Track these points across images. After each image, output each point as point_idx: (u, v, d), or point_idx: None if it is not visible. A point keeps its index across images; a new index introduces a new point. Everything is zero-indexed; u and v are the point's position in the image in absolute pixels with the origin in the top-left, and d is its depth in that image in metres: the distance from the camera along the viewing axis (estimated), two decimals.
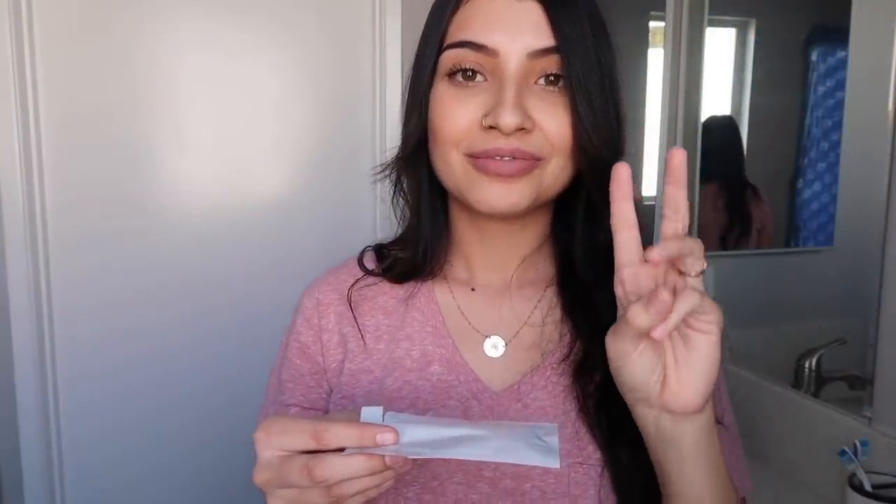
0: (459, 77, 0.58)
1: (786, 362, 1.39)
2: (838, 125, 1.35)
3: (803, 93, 1.43)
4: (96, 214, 1.70)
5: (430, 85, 0.60)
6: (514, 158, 0.57)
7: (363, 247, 0.75)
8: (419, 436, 0.47)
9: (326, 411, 0.69)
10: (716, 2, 1.63)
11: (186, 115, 1.74)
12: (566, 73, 0.56)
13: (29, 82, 1.61)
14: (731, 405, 0.73)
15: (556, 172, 0.59)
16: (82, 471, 1.75)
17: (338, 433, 0.46)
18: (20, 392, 1.66)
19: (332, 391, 0.69)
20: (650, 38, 1.77)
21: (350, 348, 0.68)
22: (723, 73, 1.62)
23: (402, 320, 0.68)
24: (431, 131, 0.61)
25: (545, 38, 0.56)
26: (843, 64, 1.33)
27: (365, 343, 0.68)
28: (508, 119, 0.55)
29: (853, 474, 1.09)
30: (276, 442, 0.47)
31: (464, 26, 0.58)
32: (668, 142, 1.72)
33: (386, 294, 0.70)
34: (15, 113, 1.59)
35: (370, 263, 0.72)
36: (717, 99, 1.65)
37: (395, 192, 0.70)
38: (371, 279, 0.71)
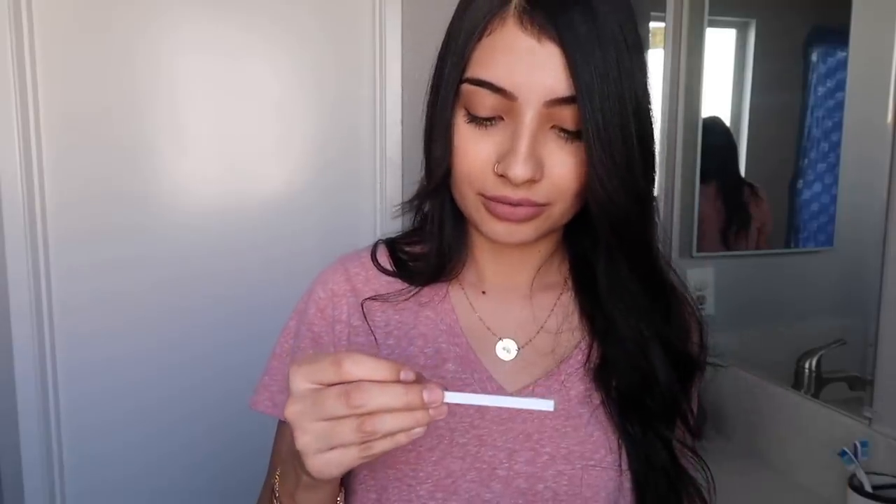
0: (477, 119, 0.57)
1: (786, 363, 1.39)
2: (838, 126, 1.35)
3: (803, 93, 1.43)
4: (96, 214, 1.70)
5: (451, 112, 0.59)
6: (521, 206, 0.56)
7: (365, 243, 0.74)
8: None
9: None
10: (716, 2, 1.63)
11: (186, 115, 1.74)
12: (583, 123, 0.54)
13: (29, 82, 1.61)
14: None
15: (562, 212, 0.59)
16: (82, 464, 1.75)
17: (357, 361, 0.46)
18: (20, 387, 1.66)
19: None
20: (650, 38, 1.77)
21: (359, 342, 0.68)
22: (723, 73, 1.62)
23: (415, 318, 0.68)
24: (452, 162, 0.60)
25: (564, 87, 0.53)
26: (843, 64, 1.34)
27: (376, 339, 0.68)
28: (519, 172, 0.54)
29: (853, 475, 1.09)
30: (305, 371, 0.47)
31: (485, 62, 0.55)
32: (669, 142, 1.73)
33: (397, 290, 0.69)
34: (15, 113, 1.58)
35: (383, 258, 0.71)
36: (717, 99, 1.65)
37: (416, 215, 0.69)
38: (384, 279, 0.70)
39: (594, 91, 0.53)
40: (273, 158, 1.82)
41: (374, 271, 0.70)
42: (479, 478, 0.62)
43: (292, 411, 0.47)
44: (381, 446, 0.47)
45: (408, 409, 0.45)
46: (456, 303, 0.68)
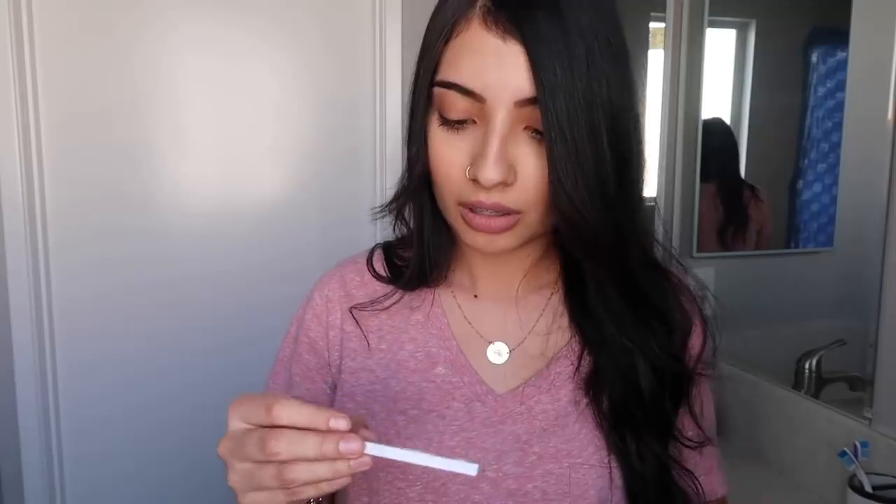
0: (449, 122, 0.56)
1: (786, 363, 1.39)
2: (838, 126, 1.35)
3: (803, 94, 1.43)
4: (96, 214, 1.71)
5: (425, 115, 0.58)
6: (495, 213, 0.55)
7: (363, 246, 0.75)
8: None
9: (330, 406, 0.69)
10: (716, 2, 1.63)
11: (186, 115, 1.74)
12: (545, 125, 0.51)
13: (29, 82, 1.61)
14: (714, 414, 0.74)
15: (537, 221, 0.57)
16: (82, 463, 1.76)
17: (288, 406, 0.45)
18: (20, 387, 1.67)
19: (336, 386, 0.70)
20: (650, 38, 1.77)
21: (352, 347, 0.69)
22: (723, 73, 1.62)
23: (407, 322, 0.69)
24: (430, 169, 0.59)
25: (530, 87, 0.51)
26: (843, 65, 1.33)
27: (368, 343, 0.69)
28: (489, 175, 0.52)
29: (853, 475, 1.09)
30: (240, 411, 0.47)
31: (454, 64, 0.54)
32: (669, 142, 1.73)
33: (384, 295, 0.70)
34: (15, 113, 1.59)
35: (378, 263, 0.72)
36: (717, 99, 1.65)
37: (396, 220, 0.68)
38: (378, 284, 0.71)
39: (557, 90, 0.51)
40: (273, 160, 1.82)
41: (368, 276, 0.71)
42: (468, 480, 0.62)
43: (223, 449, 0.48)
44: (305, 492, 0.46)
45: (323, 458, 0.45)
46: (447, 307, 0.69)
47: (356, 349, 0.69)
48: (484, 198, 0.55)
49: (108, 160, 1.70)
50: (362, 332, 0.69)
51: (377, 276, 0.71)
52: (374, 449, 0.46)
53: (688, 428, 0.66)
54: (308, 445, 0.44)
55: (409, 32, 1.79)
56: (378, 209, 0.67)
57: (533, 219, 0.57)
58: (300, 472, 0.45)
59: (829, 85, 1.37)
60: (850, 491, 1.08)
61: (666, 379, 0.63)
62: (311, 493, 0.46)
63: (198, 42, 1.72)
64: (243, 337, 1.77)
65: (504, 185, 0.54)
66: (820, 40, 1.41)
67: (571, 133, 0.51)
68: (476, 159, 0.54)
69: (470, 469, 0.46)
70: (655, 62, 1.72)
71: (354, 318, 0.69)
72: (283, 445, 0.44)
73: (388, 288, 0.70)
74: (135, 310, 1.76)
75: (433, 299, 0.69)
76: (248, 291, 1.82)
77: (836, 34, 1.35)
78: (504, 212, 0.55)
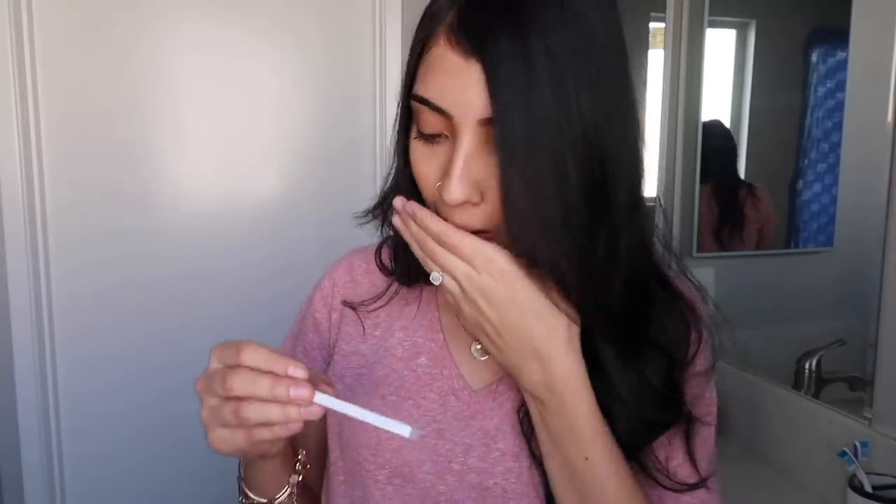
0: (424, 135, 0.56)
1: (786, 363, 1.39)
2: (838, 126, 1.35)
3: (803, 94, 1.43)
4: (96, 213, 1.71)
5: (406, 126, 0.59)
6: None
7: (359, 243, 0.77)
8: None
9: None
10: (716, 2, 1.63)
11: (186, 115, 1.74)
12: (497, 145, 0.50)
13: (29, 82, 1.61)
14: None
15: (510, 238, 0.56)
16: (82, 461, 1.76)
17: (254, 350, 0.51)
18: (20, 386, 1.67)
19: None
20: (650, 38, 1.77)
21: (348, 330, 0.72)
22: (723, 73, 1.62)
23: (401, 311, 0.71)
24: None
25: (489, 107, 0.50)
26: (843, 65, 1.33)
27: (364, 328, 0.72)
28: (452, 195, 0.52)
29: (853, 475, 1.09)
30: (218, 352, 0.54)
31: (425, 80, 0.54)
32: (669, 142, 1.73)
33: (377, 294, 0.73)
34: (15, 113, 1.59)
35: (385, 253, 0.74)
36: (717, 99, 1.65)
37: (382, 224, 0.67)
38: (380, 273, 0.73)
39: (514, 110, 0.49)
40: (272, 160, 1.82)
41: (373, 265, 0.74)
42: (434, 470, 0.64)
43: (199, 385, 0.54)
44: (259, 434, 0.51)
45: (275, 401, 0.50)
46: (441, 301, 0.70)
47: (352, 333, 0.72)
48: (455, 218, 0.55)
49: (108, 160, 1.70)
50: (359, 317, 0.72)
51: (381, 267, 0.73)
52: (324, 399, 0.50)
53: (677, 463, 0.64)
54: (262, 386, 0.50)
55: (409, 32, 1.79)
56: (360, 214, 0.68)
57: (506, 239, 0.55)
58: (252, 411, 0.50)
59: (829, 85, 1.37)
60: (850, 491, 1.08)
61: (644, 419, 0.60)
62: (265, 434, 0.51)
63: (198, 42, 1.72)
64: (243, 335, 1.77)
65: (469, 204, 0.54)
66: (820, 40, 1.41)
67: (527, 154, 0.49)
68: (444, 177, 0.54)
69: (404, 430, 0.49)
70: (655, 62, 1.72)
71: (355, 309, 0.72)
72: (239, 382, 0.50)
73: (389, 279, 0.72)
74: (135, 308, 1.76)
75: (429, 290, 0.71)
76: (248, 290, 1.83)
77: (836, 34, 1.35)
78: (473, 230, 0.55)
